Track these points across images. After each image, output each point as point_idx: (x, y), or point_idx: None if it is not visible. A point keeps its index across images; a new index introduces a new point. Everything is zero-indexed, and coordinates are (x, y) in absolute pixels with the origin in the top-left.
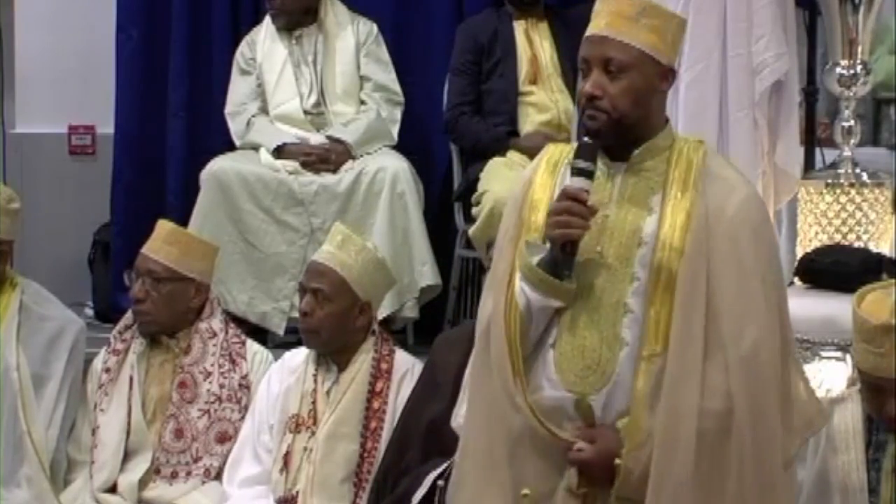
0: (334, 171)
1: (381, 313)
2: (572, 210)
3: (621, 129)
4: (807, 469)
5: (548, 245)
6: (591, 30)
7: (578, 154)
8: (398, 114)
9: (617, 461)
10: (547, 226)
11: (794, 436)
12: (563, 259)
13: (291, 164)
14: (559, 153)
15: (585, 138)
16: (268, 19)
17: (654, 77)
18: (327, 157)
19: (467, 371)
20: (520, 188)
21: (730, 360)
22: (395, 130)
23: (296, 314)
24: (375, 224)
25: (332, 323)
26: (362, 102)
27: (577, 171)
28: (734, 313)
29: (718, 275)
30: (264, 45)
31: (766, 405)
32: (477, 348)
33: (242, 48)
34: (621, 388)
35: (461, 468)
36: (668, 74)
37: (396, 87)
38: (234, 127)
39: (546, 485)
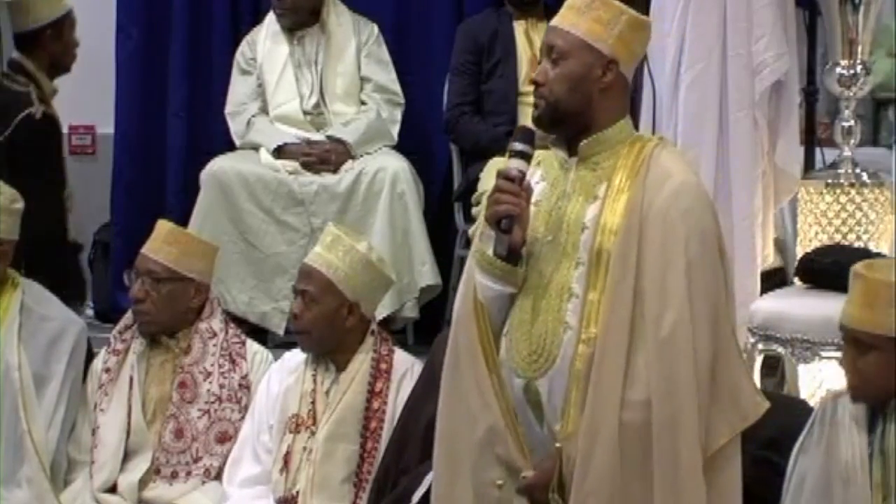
0: (334, 171)
1: (381, 313)
2: (502, 188)
3: (559, 115)
4: (810, 460)
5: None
6: None
7: (516, 138)
8: (398, 114)
9: (557, 444)
10: (485, 207)
11: (725, 426)
12: (498, 237)
13: (291, 165)
14: (543, 156)
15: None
16: (268, 19)
17: (594, 66)
18: (327, 158)
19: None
20: None
21: (649, 344)
22: (395, 130)
23: None
24: (375, 224)
25: (320, 324)
26: (362, 103)
27: (512, 154)
28: (655, 297)
29: (646, 259)
30: (265, 45)
31: (682, 390)
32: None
33: (243, 48)
34: (565, 372)
35: (434, 465)
36: (611, 66)
37: (397, 87)
38: (235, 127)
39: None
